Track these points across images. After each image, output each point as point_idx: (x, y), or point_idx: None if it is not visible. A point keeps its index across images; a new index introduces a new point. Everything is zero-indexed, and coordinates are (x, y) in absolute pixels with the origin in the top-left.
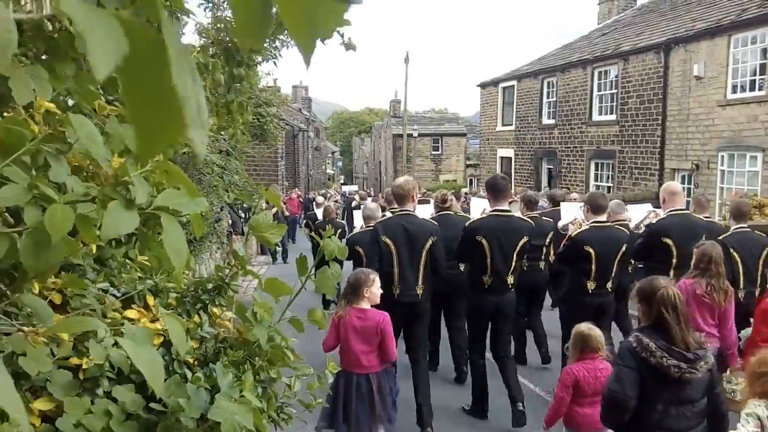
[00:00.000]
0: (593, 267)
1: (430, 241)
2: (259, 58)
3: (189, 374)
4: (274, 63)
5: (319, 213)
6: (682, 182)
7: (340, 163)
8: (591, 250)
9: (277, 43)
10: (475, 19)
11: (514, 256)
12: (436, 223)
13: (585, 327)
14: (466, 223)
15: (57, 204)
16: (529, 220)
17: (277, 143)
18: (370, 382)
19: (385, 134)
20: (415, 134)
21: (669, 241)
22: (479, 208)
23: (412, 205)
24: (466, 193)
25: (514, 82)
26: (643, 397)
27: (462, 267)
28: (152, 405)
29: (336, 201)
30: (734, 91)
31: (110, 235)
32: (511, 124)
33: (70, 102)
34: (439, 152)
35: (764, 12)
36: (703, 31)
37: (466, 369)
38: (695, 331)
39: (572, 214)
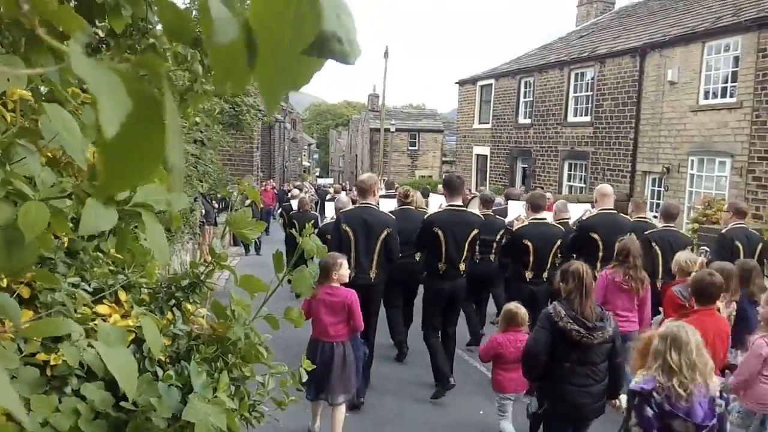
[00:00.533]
0: (531, 259)
1: (385, 232)
2: None
3: (160, 372)
4: None
5: (294, 204)
6: (653, 185)
7: (316, 156)
8: (529, 244)
9: None
10: (455, 16)
11: (466, 245)
12: (393, 216)
13: (513, 305)
14: (425, 217)
15: (32, 201)
16: (479, 215)
17: (253, 134)
18: (335, 350)
19: (363, 128)
20: (393, 129)
21: (596, 236)
22: (437, 203)
23: (374, 199)
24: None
25: (492, 81)
26: (555, 355)
27: (417, 256)
28: (122, 404)
29: (311, 195)
30: (706, 97)
31: (88, 232)
32: (488, 122)
33: (45, 90)
34: (416, 148)
35: (737, 21)
36: (679, 38)
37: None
38: (614, 314)
39: (517, 212)
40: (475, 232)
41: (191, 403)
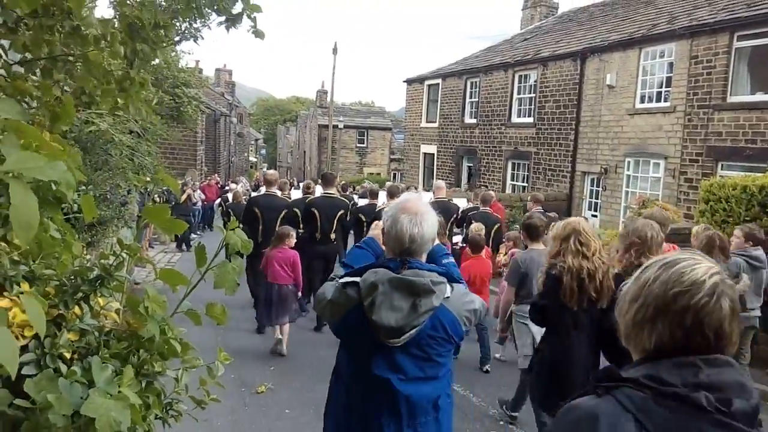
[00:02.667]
0: (318, 224)
1: (285, 210)
2: (177, 38)
3: (65, 369)
4: (195, 41)
5: (230, 197)
6: (592, 185)
7: (264, 151)
8: (316, 212)
9: (198, 24)
10: (404, 16)
11: (335, 222)
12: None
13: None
14: (306, 201)
15: None
16: (344, 199)
17: (197, 127)
18: (281, 289)
19: (311, 124)
20: (341, 126)
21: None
22: (383, 198)
23: (276, 189)
24: (414, 187)
25: (439, 81)
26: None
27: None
28: (18, 401)
29: (247, 189)
30: (642, 101)
31: None
32: (435, 122)
33: None
34: (365, 145)
35: (672, 28)
36: (617, 43)
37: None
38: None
39: (381, 200)
40: (342, 212)
41: (91, 397)
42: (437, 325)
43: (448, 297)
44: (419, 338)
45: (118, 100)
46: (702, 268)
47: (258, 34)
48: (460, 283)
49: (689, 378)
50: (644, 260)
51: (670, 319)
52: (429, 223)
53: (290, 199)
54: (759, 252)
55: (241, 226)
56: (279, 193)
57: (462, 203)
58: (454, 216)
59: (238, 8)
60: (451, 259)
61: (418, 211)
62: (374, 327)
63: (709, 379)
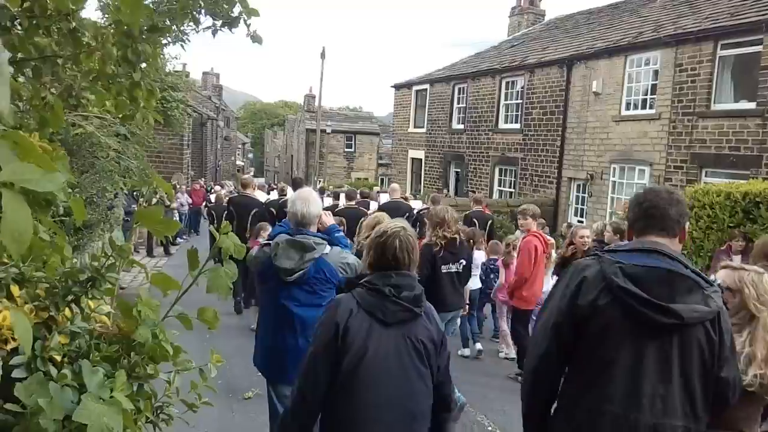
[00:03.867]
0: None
1: (255, 209)
2: (167, 40)
3: (55, 373)
4: (182, 46)
5: (212, 198)
6: (578, 191)
7: (251, 155)
8: (234, 210)
9: (185, 27)
10: (392, 22)
11: (250, 218)
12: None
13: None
14: (280, 201)
15: None
16: (258, 198)
17: (184, 130)
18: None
19: (299, 128)
20: (329, 130)
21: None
22: (376, 204)
23: (252, 191)
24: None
25: (426, 86)
26: None
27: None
28: (8, 405)
29: (230, 191)
30: (628, 108)
31: None
32: (423, 127)
33: None
34: (353, 150)
35: (657, 36)
36: (603, 50)
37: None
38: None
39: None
40: (256, 210)
41: (83, 403)
42: (319, 270)
43: (326, 253)
44: (307, 278)
45: (130, 109)
46: (390, 224)
47: (256, 38)
48: (344, 246)
49: (384, 280)
50: (447, 234)
51: (374, 250)
52: (314, 206)
53: (263, 200)
54: None
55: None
56: (251, 194)
57: (417, 204)
58: (406, 214)
59: (235, 12)
60: (341, 234)
61: (307, 199)
62: (277, 270)
63: (394, 282)
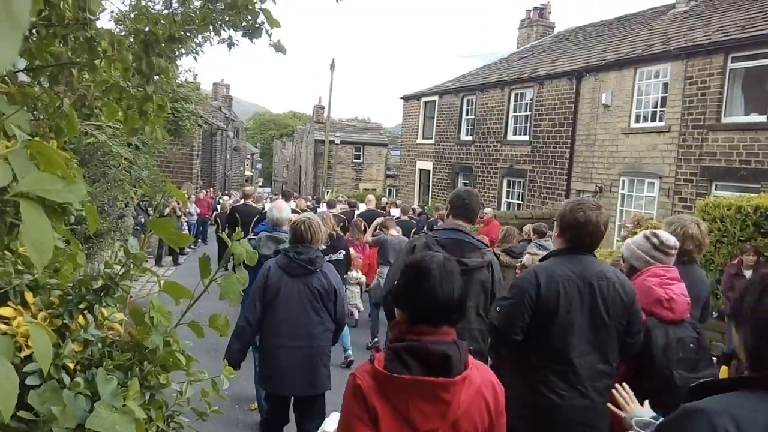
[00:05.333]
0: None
1: (257, 215)
2: (181, 51)
3: (68, 380)
4: (195, 58)
5: (219, 208)
6: None
7: (259, 165)
8: (238, 216)
9: (199, 38)
10: (402, 34)
11: (252, 224)
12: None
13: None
14: (229, 208)
15: None
16: (257, 207)
17: (193, 141)
18: None
19: (307, 139)
20: (338, 141)
21: (363, 223)
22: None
23: (252, 201)
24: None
25: (435, 98)
26: None
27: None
28: (21, 413)
29: (236, 200)
30: (637, 121)
31: None
32: (431, 138)
33: None
34: (361, 161)
35: (668, 49)
36: (613, 62)
37: None
38: None
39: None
40: (257, 216)
41: (96, 411)
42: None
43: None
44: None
45: (139, 122)
46: (302, 216)
47: (279, 48)
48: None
49: (293, 249)
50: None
51: (290, 232)
52: (285, 212)
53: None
54: None
55: (227, 227)
56: (253, 203)
57: (395, 213)
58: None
59: (257, 22)
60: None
61: (280, 208)
62: (260, 256)
63: (299, 251)
